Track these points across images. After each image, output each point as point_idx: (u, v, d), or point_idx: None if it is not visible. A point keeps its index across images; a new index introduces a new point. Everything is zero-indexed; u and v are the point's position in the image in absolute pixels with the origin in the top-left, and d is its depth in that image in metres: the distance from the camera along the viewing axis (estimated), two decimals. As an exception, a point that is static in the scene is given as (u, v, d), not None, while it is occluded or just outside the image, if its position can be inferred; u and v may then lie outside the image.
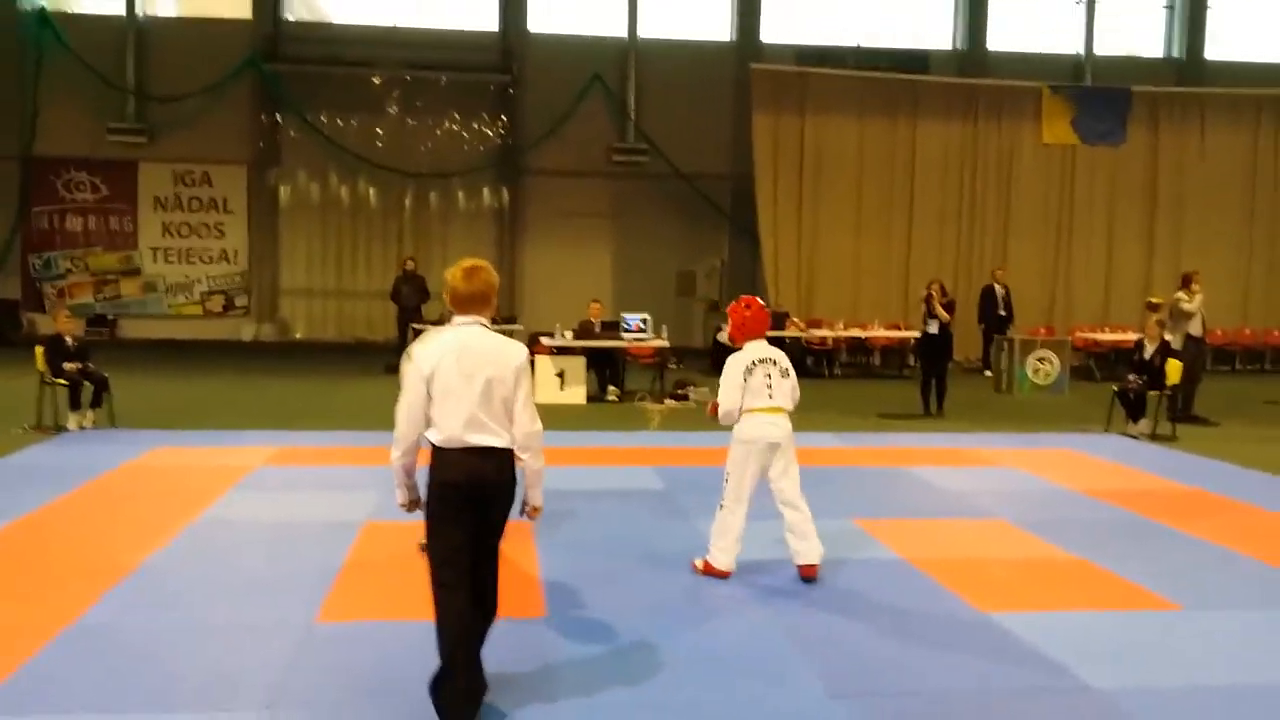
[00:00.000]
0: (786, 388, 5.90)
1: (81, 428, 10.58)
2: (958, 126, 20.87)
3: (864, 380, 17.88)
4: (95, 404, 10.73)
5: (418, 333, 16.90)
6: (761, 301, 6.12)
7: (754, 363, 5.84)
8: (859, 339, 19.25)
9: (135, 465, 8.87)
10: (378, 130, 21.98)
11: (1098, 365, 18.46)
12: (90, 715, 4.00)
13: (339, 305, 22.72)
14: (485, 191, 22.78)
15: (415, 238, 22.21)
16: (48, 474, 8.36)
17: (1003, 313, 18.34)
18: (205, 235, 22.27)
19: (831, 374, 18.59)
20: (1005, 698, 4.36)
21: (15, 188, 21.66)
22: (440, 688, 3.99)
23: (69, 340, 10.75)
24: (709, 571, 5.93)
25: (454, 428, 3.97)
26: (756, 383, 5.81)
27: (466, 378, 3.96)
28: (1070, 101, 21.09)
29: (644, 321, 14.12)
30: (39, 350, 10.59)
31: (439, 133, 22.22)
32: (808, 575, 5.87)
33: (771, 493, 5.90)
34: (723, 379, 5.87)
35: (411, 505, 4.21)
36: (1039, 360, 16.00)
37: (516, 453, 4.09)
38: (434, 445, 4.02)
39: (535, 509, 4.29)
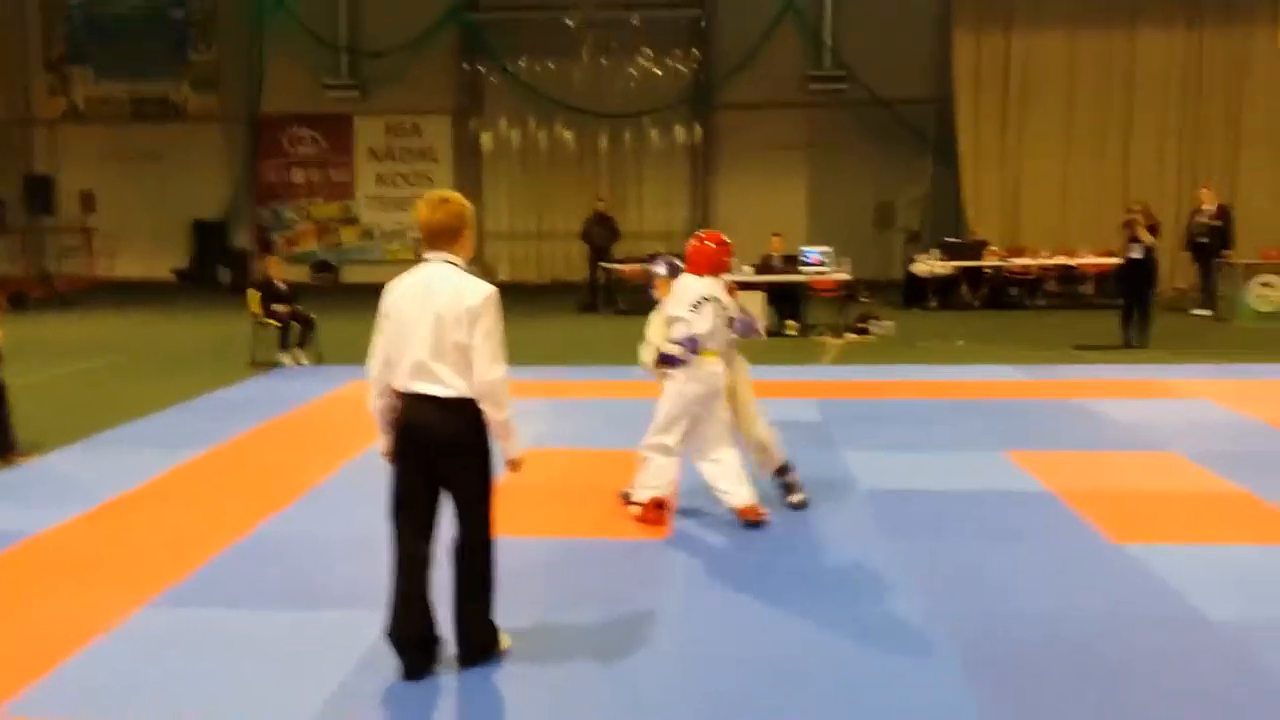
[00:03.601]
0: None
1: (297, 364, 11.55)
2: (1180, 34, 19.28)
3: (1070, 311, 16.99)
4: (302, 343, 11.67)
5: (608, 273, 17.39)
6: (724, 238, 5.74)
7: (704, 299, 5.48)
8: (1068, 267, 18.25)
9: (333, 397, 9.64)
10: (573, 74, 22.44)
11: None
12: (249, 610, 4.52)
13: (538, 247, 23.48)
14: (678, 129, 22.86)
15: (610, 178, 22.59)
16: (257, 405, 9.23)
17: (1203, 239, 15.36)
18: (415, 183, 23.48)
19: (1034, 304, 17.77)
20: (1109, 622, 4.22)
21: (244, 146, 23.54)
22: (390, 631, 3.88)
23: (280, 284, 11.71)
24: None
25: (402, 373, 3.75)
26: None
27: (418, 320, 3.72)
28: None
29: (824, 255, 13.91)
30: (252, 293, 11.61)
31: (632, 72, 22.45)
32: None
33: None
34: (673, 307, 5.54)
35: (391, 456, 3.92)
36: (1264, 285, 14.73)
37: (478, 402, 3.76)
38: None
39: (511, 462, 3.94)
